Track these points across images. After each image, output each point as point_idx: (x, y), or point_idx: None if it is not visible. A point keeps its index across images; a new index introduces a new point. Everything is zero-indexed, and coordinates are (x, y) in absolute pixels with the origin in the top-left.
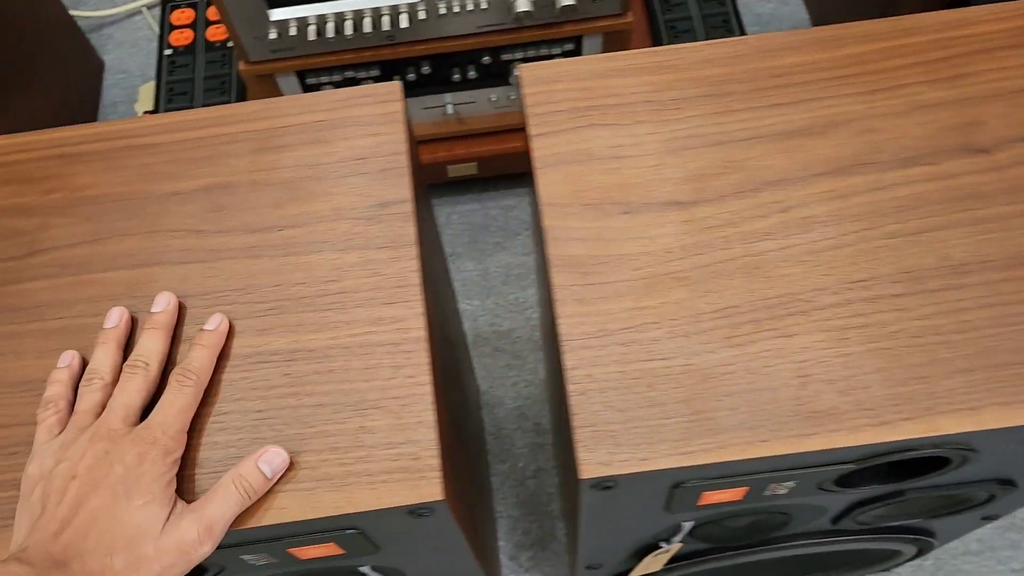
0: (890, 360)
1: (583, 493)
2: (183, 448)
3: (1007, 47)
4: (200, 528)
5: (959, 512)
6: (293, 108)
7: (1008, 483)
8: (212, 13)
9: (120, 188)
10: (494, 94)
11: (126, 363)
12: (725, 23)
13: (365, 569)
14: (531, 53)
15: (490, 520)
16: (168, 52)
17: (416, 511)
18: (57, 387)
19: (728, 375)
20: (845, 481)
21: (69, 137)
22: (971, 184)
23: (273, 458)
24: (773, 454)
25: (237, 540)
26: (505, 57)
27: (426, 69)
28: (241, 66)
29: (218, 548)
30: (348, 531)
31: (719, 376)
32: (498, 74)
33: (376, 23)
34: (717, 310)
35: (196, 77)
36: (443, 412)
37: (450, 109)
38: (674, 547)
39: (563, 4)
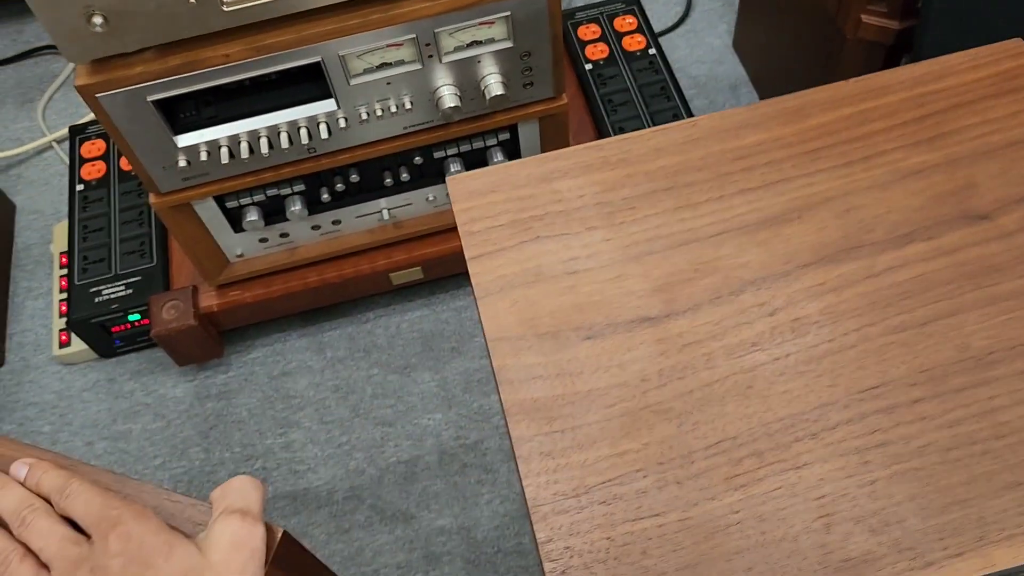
0: (923, 484)
1: None
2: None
3: (988, 97)
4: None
5: None
6: None
7: None
8: None
9: None
10: (431, 193)
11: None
12: (663, 91)
13: None
14: (465, 148)
15: None
16: (80, 187)
17: None
18: None
19: (736, 526)
20: None
21: None
22: (979, 257)
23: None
24: None
25: None
26: (438, 155)
27: (355, 177)
28: (152, 199)
29: None
30: None
31: (725, 529)
32: (434, 172)
33: (293, 138)
34: (710, 445)
35: (112, 211)
36: None
37: (386, 215)
38: None
39: (493, 95)
